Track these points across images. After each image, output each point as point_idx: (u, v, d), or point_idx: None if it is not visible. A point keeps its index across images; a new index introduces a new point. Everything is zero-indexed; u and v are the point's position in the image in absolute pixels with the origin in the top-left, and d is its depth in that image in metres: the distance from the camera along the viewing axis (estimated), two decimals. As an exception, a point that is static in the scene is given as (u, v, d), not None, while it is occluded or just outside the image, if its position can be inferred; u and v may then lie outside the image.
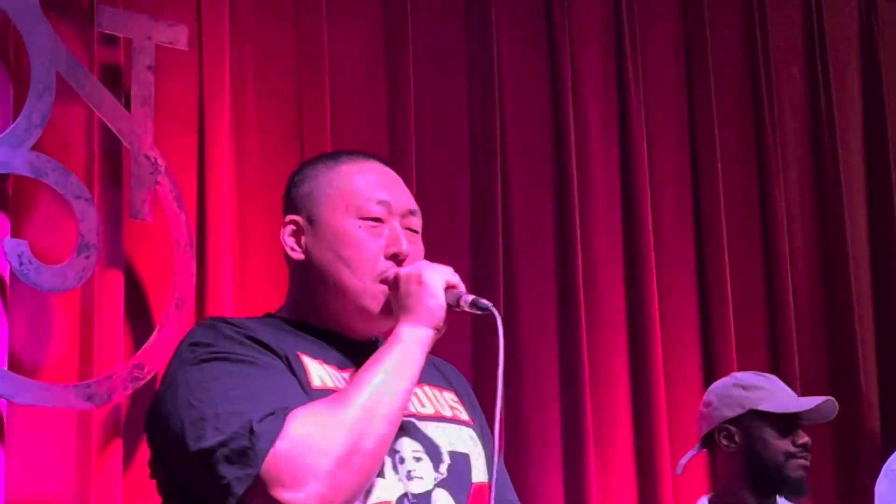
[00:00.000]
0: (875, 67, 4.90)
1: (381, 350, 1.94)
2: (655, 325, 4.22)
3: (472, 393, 2.20)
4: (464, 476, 2.01)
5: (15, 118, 3.22)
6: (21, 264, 3.15)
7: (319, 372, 1.97)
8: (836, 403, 3.31)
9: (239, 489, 1.79)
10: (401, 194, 2.10)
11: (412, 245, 2.06)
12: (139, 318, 3.39)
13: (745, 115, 4.62)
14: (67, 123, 3.37)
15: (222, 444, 1.80)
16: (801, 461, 3.19)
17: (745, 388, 3.27)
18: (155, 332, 3.33)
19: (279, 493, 1.78)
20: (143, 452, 3.31)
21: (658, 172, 4.38)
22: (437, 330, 1.97)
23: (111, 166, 3.39)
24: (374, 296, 2.02)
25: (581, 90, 4.27)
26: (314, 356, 2.00)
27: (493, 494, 2.01)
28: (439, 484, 1.97)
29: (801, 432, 3.24)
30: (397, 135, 3.87)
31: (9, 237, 3.18)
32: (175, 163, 3.44)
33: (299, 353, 1.98)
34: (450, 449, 2.01)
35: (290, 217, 2.10)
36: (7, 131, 3.20)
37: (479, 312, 1.98)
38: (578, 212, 4.14)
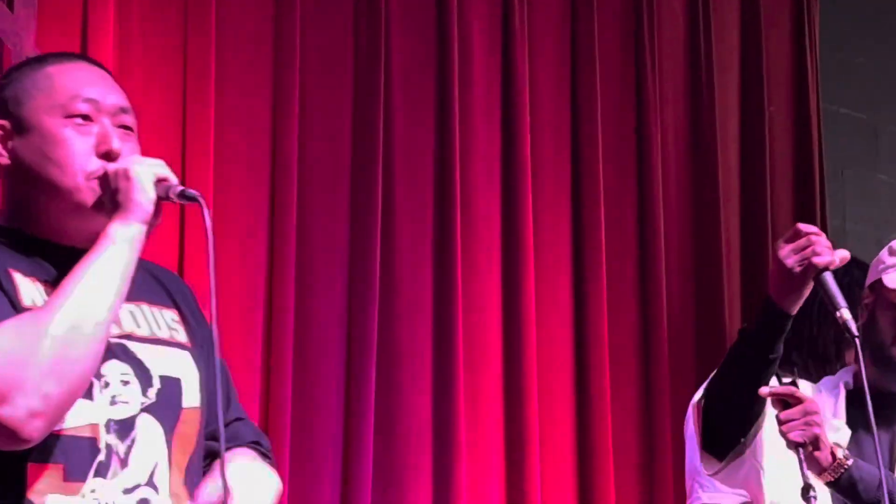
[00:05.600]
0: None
1: (91, 250, 1.90)
2: (529, 256, 4.28)
3: (195, 305, 2.16)
4: (173, 401, 1.99)
5: None
6: None
7: (31, 290, 1.93)
8: None
9: None
10: (111, 92, 2.03)
11: (126, 143, 2.00)
12: None
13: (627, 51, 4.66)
14: (-55, 21, 3.33)
15: None
16: None
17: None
18: None
19: None
20: None
21: (538, 104, 4.42)
22: (149, 224, 1.93)
23: (-9, 66, 3.36)
24: (87, 192, 1.96)
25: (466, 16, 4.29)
26: (28, 273, 1.94)
27: (213, 414, 2.01)
28: (146, 409, 1.95)
29: None
30: (284, 48, 3.88)
31: None
32: (57, 66, 3.41)
33: (10, 270, 1.92)
34: (161, 373, 1.99)
35: None
36: None
37: (187, 202, 1.95)
38: (459, 144, 4.16)
